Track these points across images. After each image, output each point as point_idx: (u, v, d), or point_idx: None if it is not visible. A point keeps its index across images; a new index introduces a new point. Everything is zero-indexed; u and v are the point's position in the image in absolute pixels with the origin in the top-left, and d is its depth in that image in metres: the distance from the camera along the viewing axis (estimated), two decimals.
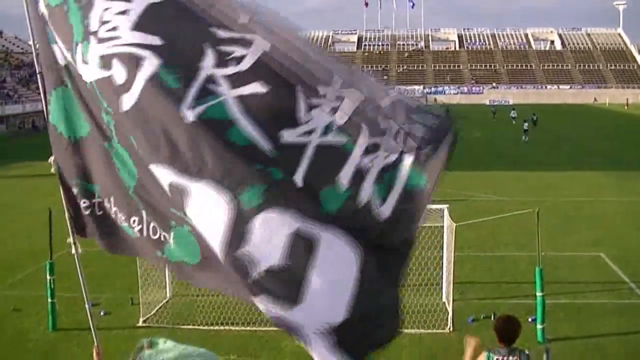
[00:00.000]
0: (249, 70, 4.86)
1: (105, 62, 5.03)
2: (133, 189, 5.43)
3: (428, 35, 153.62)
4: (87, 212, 5.93)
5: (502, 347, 7.79)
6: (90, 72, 5.17)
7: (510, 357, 7.72)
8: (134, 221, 5.56)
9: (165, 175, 4.89)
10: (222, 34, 4.99)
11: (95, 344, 6.13)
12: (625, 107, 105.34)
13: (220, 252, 4.71)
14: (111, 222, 5.81)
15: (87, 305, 6.66)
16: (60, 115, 5.83)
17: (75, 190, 5.91)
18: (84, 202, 5.88)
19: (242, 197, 4.62)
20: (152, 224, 5.47)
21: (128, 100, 4.92)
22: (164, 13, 5.15)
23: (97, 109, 5.42)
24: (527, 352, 7.87)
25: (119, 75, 4.96)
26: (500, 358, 7.73)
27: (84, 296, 6.70)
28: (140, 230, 5.54)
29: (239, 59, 4.89)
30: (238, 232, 4.63)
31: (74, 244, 6.20)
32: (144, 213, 5.49)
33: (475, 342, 7.82)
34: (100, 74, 5.07)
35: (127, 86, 4.93)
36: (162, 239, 5.43)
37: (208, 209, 4.71)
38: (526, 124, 61.40)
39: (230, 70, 4.86)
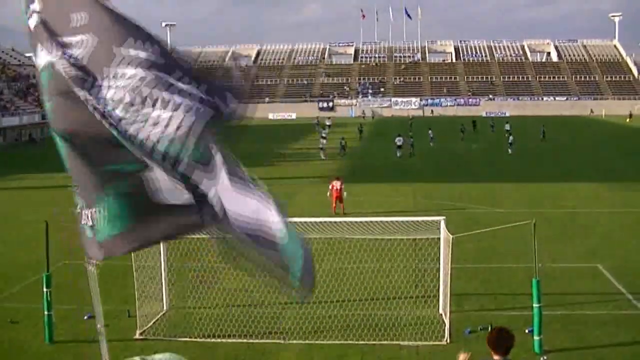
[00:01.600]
0: None
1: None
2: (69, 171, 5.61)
3: (425, 47, 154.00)
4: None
5: (497, 359, 7.76)
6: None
7: None
8: (87, 216, 5.65)
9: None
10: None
11: None
12: (628, 120, 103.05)
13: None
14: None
15: (98, 326, 6.75)
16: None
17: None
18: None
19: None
20: (87, 211, 5.59)
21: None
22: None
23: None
24: None
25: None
26: None
27: (98, 316, 6.77)
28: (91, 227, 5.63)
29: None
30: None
31: (87, 262, 6.21)
32: (81, 197, 5.64)
33: (464, 357, 7.78)
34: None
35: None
36: (91, 221, 5.56)
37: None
38: (511, 137, 61.49)
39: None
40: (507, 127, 75.28)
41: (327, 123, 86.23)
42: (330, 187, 32.16)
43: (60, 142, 5.43)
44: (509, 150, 59.66)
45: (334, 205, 31.28)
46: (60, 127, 5.37)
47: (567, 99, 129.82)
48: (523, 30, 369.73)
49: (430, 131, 69.58)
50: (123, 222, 5.38)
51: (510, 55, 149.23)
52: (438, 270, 18.03)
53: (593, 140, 72.82)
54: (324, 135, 71.51)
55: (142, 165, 5.03)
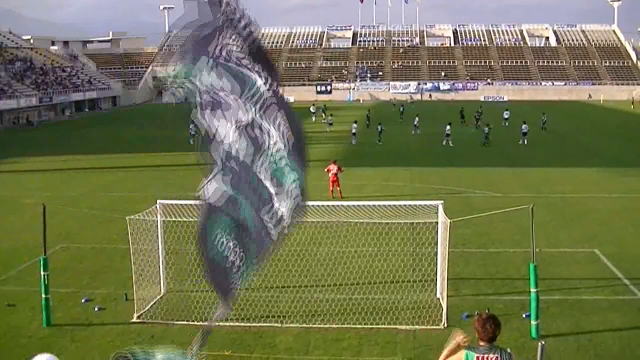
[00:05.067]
0: None
1: None
2: None
3: (423, 31, 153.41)
4: None
5: (483, 345, 7.79)
6: None
7: (491, 355, 7.70)
8: None
9: None
10: None
11: None
12: (632, 107, 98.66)
13: None
14: None
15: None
16: None
17: None
18: None
19: None
20: None
21: None
22: None
23: None
24: (508, 350, 7.86)
25: None
26: (480, 356, 7.72)
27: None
28: None
29: None
30: None
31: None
32: None
33: (459, 338, 7.85)
34: None
35: None
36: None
37: None
38: (525, 126, 55.53)
39: None
40: (506, 114, 72.71)
41: (312, 110, 78.44)
42: (326, 170, 31.97)
43: None
44: (525, 141, 54.49)
45: (330, 188, 31.21)
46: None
47: (565, 84, 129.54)
48: (522, 14, 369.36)
49: (416, 118, 64.77)
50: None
51: (509, 40, 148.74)
52: (436, 254, 18.03)
53: (596, 126, 72.55)
54: (324, 121, 70.11)
55: None
